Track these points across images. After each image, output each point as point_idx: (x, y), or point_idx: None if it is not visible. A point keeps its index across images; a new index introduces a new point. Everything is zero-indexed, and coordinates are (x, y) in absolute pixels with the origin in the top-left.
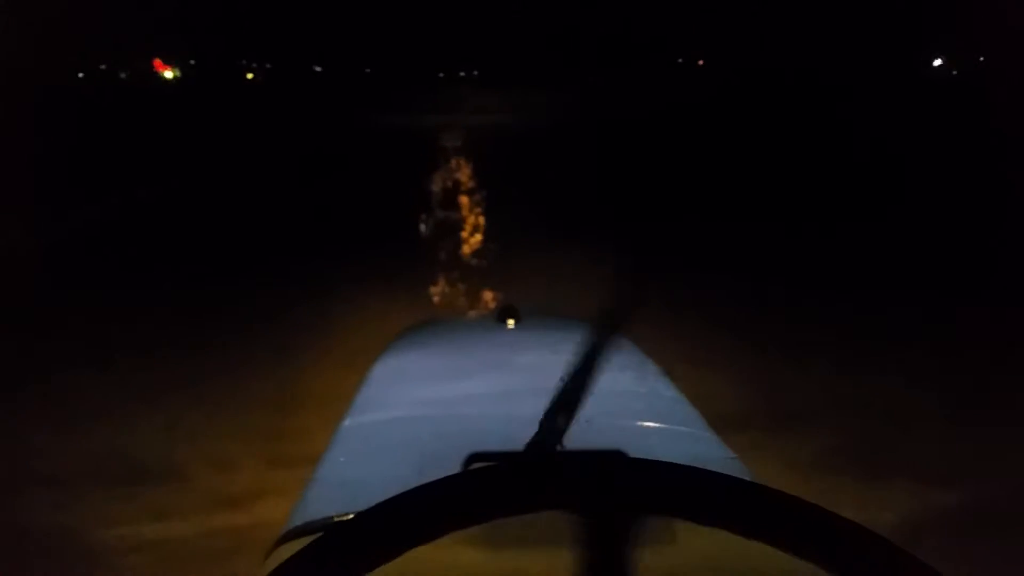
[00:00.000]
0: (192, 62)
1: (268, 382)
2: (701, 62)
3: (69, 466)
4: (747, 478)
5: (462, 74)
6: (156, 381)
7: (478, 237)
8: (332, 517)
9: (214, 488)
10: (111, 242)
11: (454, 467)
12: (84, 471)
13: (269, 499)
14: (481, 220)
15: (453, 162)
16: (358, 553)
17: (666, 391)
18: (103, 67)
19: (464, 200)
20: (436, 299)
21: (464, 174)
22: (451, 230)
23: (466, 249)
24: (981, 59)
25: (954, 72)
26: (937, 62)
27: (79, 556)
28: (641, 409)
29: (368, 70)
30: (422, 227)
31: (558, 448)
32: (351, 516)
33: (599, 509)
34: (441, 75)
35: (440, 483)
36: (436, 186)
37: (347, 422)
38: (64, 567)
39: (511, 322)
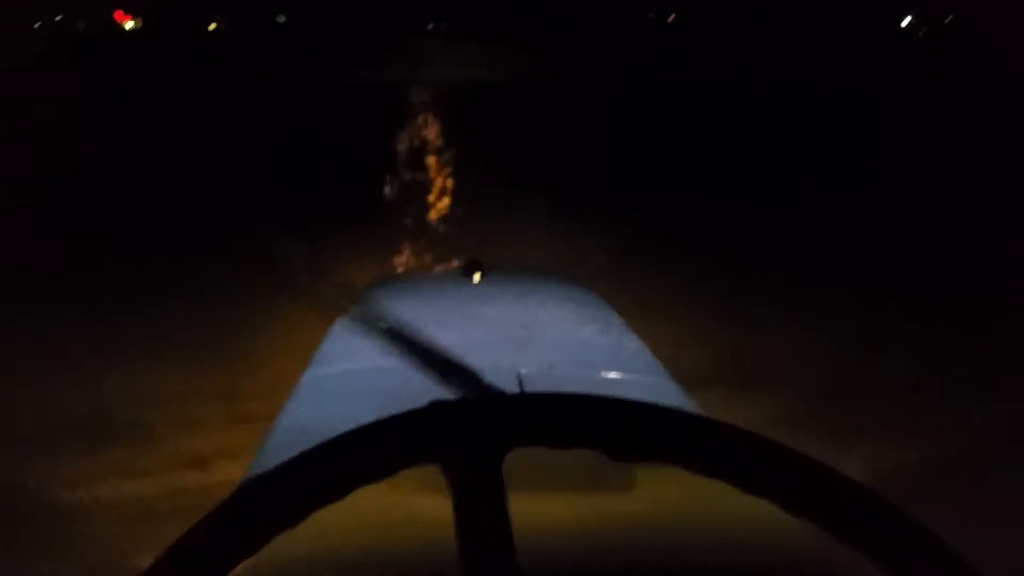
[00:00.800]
0: (153, 11)
1: None
2: (672, 17)
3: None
4: None
5: (430, 26)
6: None
7: (446, 201)
8: None
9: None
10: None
11: None
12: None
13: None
14: (450, 183)
15: (420, 119)
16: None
17: (630, 342)
18: (59, 17)
19: (431, 161)
20: (400, 264)
21: (432, 132)
22: (418, 193)
23: (432, 214)
24: (949, 18)
25: (922, 32)
26: (906, 21)
27: (36, 515)
28: (604, 359)
29: (332, 21)
30: (387, 189)
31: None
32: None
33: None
34: (408, 26)
35: (354, 432)
36: (402, 145)
37: (308, 374)
38: (20, 527)
39: (477, 276)
